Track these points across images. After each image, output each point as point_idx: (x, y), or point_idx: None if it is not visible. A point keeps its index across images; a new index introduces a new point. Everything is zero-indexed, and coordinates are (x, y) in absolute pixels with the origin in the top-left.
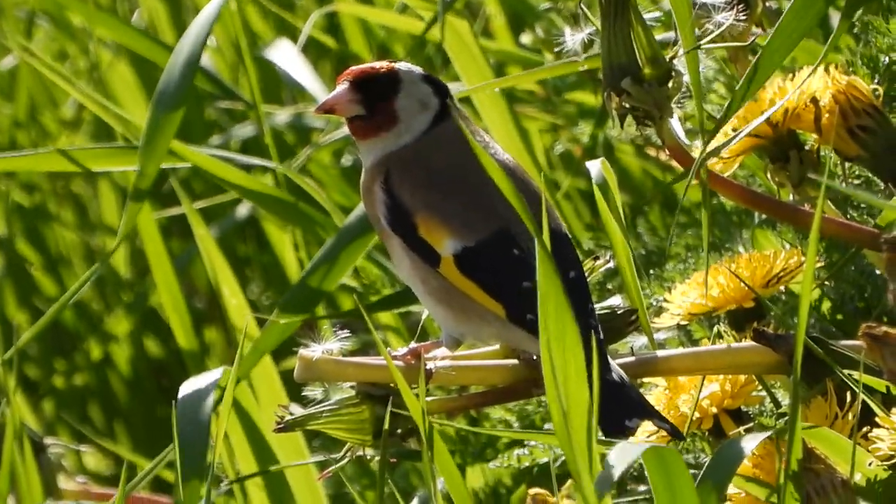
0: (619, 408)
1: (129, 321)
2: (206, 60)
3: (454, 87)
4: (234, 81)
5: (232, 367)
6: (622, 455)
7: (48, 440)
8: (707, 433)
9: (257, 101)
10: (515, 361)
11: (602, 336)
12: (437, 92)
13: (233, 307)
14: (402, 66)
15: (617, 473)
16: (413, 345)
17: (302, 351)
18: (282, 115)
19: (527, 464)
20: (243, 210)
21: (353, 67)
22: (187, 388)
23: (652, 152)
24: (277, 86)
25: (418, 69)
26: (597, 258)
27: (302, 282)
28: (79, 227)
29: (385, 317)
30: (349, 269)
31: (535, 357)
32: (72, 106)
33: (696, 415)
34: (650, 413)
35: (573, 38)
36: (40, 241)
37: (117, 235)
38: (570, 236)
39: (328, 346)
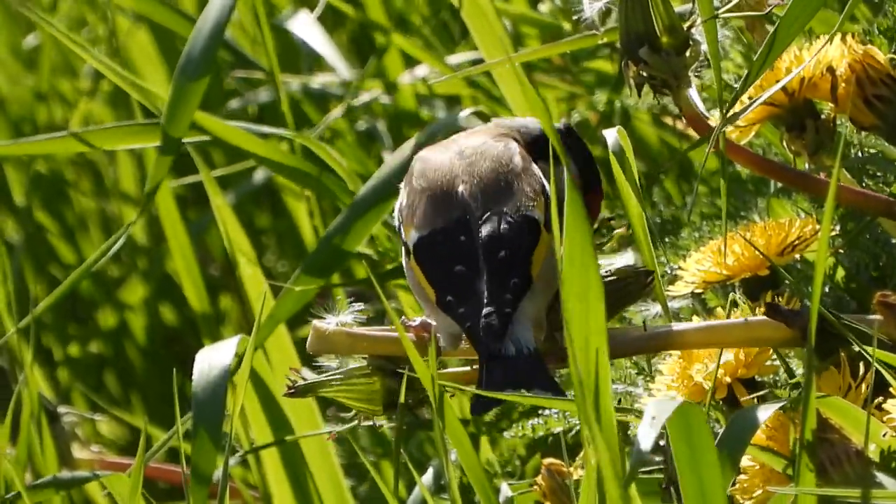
0: (497, 381)
1: (144, 288)
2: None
3: (472, 56)
4: (253, 49)
5: (247, 335)
6: (659, 408)
7: (62, 409)
8: (721, 402)
9: (275, 71)
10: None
11: (508, 317)
12: None
13: (248, 276)
14: None
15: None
16: (426, 318)
17: (315, 322)
18: (298, 83)
19: (541, 433)
20: (259, 177)
21: None
22: (203, 357)
23: (669, 121)
24: (296, 54)
25: None
26: (611, 220)
27: (318, 250)
28: (96, 194)
29: (400, 283)
30: (365, 238)
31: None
32: (90, 74)
33: (710, 384)
34: (532, 384)
35: (591, 7)
36: (57, 209)
37: (135, 207)
38: (526, 216)
39: (342, 318)
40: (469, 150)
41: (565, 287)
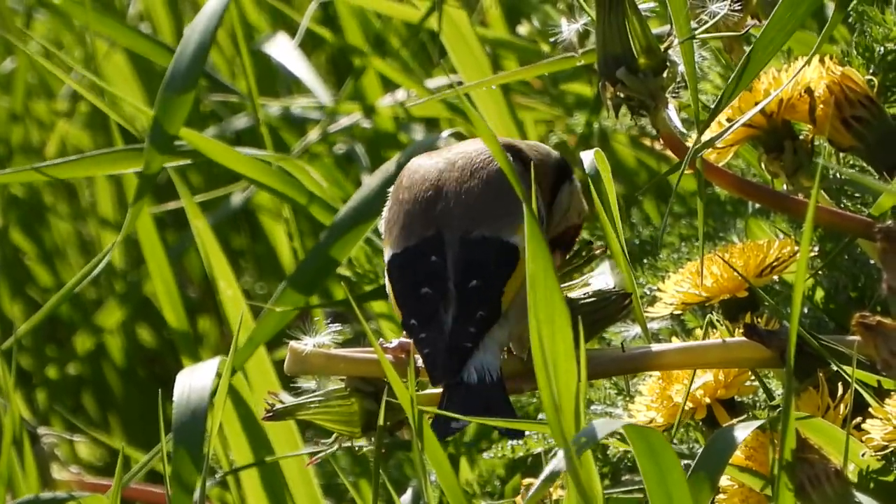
0: (456, 407)
1: (122, 311)
2: None
3: (451, 79)
4: (231, 72)
5: (227, 356)
6: (603, 427)
7: (41, 430)
8: (700, 423)
9: (253, 96)
10: (504, 357)
11: (468, 352)
12: None
13: (228, 297)
14: None
15: (597, 438)
16: (403, 339)
17: (293, 344)
18: (277, 106)
19: (521, 454)
20: (237, 200)
21: None
22: (183, 378)
23: (647, 142)
24: (273, 77)
25: None
26: (590, 243)
27: (298, 270)
28: (73, 217)
29: (379, 306)
30: (345, 259)
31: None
32: (66, 95)
33: (689, 405)
34: (489, 413)
35: (569, 29)
36: (35, 232)
37: (115, 230)
38: (505, 243)
39: (319, 339)
40: (462, 160)
41: (531, 313)
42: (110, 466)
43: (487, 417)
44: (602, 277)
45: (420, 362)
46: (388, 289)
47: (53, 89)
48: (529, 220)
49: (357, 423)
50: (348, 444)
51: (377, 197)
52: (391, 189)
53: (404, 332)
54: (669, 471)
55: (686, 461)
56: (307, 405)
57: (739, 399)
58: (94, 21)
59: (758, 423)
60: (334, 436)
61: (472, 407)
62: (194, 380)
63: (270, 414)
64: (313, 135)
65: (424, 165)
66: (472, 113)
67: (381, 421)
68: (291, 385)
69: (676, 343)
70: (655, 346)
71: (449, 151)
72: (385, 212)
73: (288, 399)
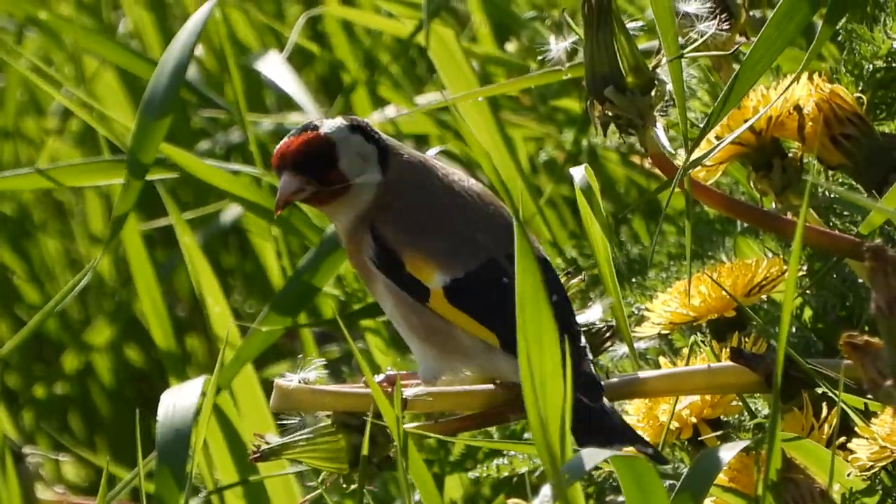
0: (600, 434)
1: (111, 330)
2: (192, 68)
3: (439, 96)
4: (220, 88)
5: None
6: (591, 456)
7: (27, 450)
8: (686, 443)
9: (242, 111)
10: (492, 386)
11: (591, 357)
12: (367, 137)
13: (216, 316)
14: (328, 127)
15: (585, 468)
16: (389, 372)
17: (278, 380)
18: (267, 123)
19: (506, 474)
20: (227, 218)
21: (283, 148)
22: (168, 397)
23: (636, 160)
24: (263, 93)
25: (341, 121)
26: (569, 273)
27: (286, 288)
28: (62, 235)
29: (367, 323)
30: (333, 277)
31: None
32: (56, 113)
33: (675, 424)
34: (632, 439)
35: (557, 47)
36: (23, 250)
37: (102, 246)
38: (546, 259)
39: (305, 374)
40: (456, 178)
41: (520, 332)
42: (96, 486)
43: (630, 444)
44: (589, 311)
45: (406, 393)
46: (445, 313)
47: (43, 106)
48: (520, 236)
49: (344, 459)
50: (337, 482)
51: None
52: (371, 220)
53: (434, 354)
54: (655, 498)
55: (671, 481)
56: (294, 444)
57: (725, 419)
58: (82, 38)
59: (743, 443)
60: (322, 475)
61: (611, 437)
62: (179, 399)
63: (257, 455)
64: None
65: (424, 192)
66: (463, 126)
67: (364, 450)
68: (280, 417)
69: (662, 370)
70: (641, 374)
71: (427, 175)
72: (385, 238)
73: (274, 439)
